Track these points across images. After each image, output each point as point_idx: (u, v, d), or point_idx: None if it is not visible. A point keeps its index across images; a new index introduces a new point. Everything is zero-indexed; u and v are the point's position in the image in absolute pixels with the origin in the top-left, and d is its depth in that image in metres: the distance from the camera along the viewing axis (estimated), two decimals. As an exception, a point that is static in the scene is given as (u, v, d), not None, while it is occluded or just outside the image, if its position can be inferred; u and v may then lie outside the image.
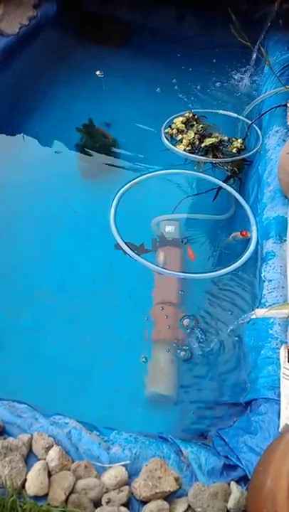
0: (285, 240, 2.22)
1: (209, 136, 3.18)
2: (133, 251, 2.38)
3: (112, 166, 3.09)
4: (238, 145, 3.13)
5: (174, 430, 1.75)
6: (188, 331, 2.12)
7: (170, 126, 3.32)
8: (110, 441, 1.55)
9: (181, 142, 3.17)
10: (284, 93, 3.11)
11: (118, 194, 2.72)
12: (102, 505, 1.37)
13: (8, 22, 3.95)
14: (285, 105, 3.03)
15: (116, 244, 2.42)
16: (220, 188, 2.85)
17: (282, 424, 1.52)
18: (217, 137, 3.17)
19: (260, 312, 1.77)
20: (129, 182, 2.80)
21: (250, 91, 3.87)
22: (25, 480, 1.39)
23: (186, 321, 2.15)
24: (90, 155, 3.13)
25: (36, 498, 1.36)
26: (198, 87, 3.84)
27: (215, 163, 3.02)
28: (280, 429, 1.52)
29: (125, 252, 2.37)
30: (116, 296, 2.29)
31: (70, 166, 3.10)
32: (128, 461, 1.46)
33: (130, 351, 2.08)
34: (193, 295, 2.28)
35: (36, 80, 3.80)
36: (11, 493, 1.33)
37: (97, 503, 1.37)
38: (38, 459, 1.44)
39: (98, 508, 1.36)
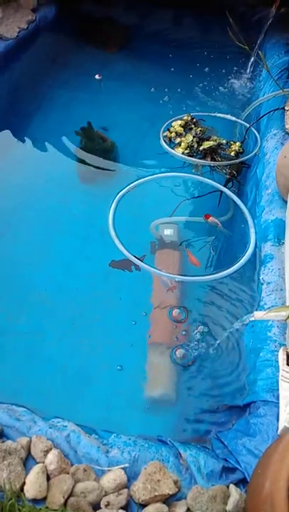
0: (284, 243, 2.22)
1: (207, 140, 3.19)
2: (137, 257, 2.38)
3: (111, 169, 3.09)
4: (237, 148, 3.14)
5: (173, 433, 1.75)
6: (187, 333, 2.12)
7: (169, 130, 3.33)
8: (109, 444, 1.55)
9: (180, 145, 3.18)
10: (282, 96, 3.13)
11: (117, 197, 2.72)
12: (101, 508, 1.36)
13: (6, 26, 3.96)
14: (283, 108, 3.05)
15: (111, 262, 2.41)
16: (221, 192, 2.86)
17: (280, 427, 1.52)
18: (215, 140, 3.17)
19: (258, 315, 1.77)
20: (128, 185, 2.81)
21: (248, 94, 3.88)
22: (24, 483, 1.38)
23: (184, 324, 2.15)
24: (88, 158, 3.13)
25: (35, 501, 1.36)
26: (197, 90, 3.86)
27: (213, 166, 3.03)
28: (278, 432, 1.52)
29: (124, 270, 2.37)
30: (115, 299, 2.29)
31: (68, 169, 3.10)
32: (127, 464, 1.46)
33: (129, 353, 2.08)
34: (192, 298, 2.28)
35: (35, 83, 3.81)
36: (10, 496, 1.33)
37: (96, 507, 1.37)
38: (37, 463, 1.44)
39: (97, 512, 1.36)
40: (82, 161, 3.12)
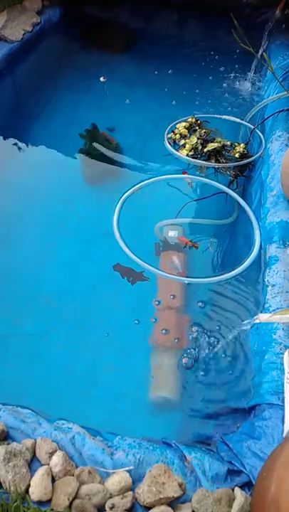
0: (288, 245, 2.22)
1: (212, 141, 3.19)
2: (142, 260, 2.38)
3: (116, 170, 3.10)
4: (241, 150, 3.14)
5: (177, 435, 1.75)
6: (192, 335, 2.11)
7: (173, 131, 3.33)
8: (114, 446, 1.54)
9: (184, 147, 3.18)
10: (287, 98, 3.12)
11: (121, 199, 2.73)
12: (105, 510, 1.36)
13: (11, 28, 3.98)
14: (288, 110, 3.04)
15: (116, 265, 2.41)
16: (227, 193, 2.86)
17: (286, 430, 1.51)
18: (220, 142, 3.17)
19: (263, 317, 1.76)
20: (132, 187, 2.81)
21: (252, 95, 3.88)
22: (29, 485, 1.38)
23: (192, 328, 2.15)
24: (93, 160, 3.14)
25: (40, 503, 1.36)
26: (201, 92, 3.86)
27: (217, 168, 3.03)
28: (284, 435, 1.52)
29: (123, 277, 2.37)
30: (120, 301, 2.29)
31: (73, 171, 3.11)
32: (132, 467, 1.46)
33: (134, 355, 2.08)
34: (197, 300, 2.28)
35: (40, 86, 3.83)
36: (15, 498, 1.33)
37: (100, 509, 1.37)
38: (42, 464, 1.44)
39: (102, 514, 1.36)
40: (86, 163, 3.13)
